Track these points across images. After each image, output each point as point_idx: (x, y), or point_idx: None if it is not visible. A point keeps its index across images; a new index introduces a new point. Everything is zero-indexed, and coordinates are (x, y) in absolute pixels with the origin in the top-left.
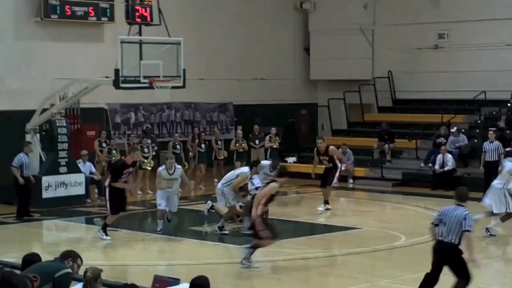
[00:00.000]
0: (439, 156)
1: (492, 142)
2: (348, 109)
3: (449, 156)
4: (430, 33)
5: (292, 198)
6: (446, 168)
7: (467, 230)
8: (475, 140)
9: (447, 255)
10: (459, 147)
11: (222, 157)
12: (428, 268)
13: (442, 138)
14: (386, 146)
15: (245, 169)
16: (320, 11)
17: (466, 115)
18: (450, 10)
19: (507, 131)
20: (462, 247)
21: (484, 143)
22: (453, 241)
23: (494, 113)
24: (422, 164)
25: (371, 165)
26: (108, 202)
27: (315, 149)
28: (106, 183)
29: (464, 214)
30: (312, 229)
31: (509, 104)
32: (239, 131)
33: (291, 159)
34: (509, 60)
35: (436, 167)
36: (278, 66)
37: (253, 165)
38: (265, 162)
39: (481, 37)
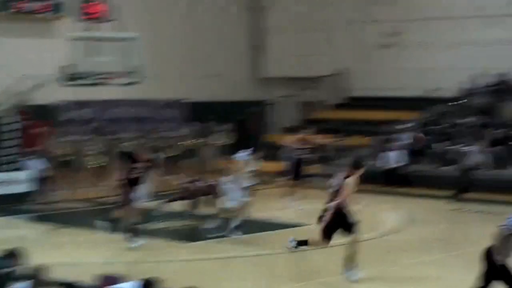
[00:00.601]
0: (391, 153)
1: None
2: (302, 106)
3: (401, 153)
4: (385, 31)
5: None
6: (398, 165)
7: None
8: (427, 137)
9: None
10: (411, 144)
11: (174, 154)
12: (378, 264)
13: (395, 135)
14: (340, 143)
15: (243, 156)
16: (276, 8)
17: (419, 112)
18: (406, 8)
19: (455, 128)
20: None
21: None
22: None
23: (445, 110)
24: (375, 161)
25: (324, 162)
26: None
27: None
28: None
29: None
30: (264, 226)
31: (458, 102)
32: (192, 128)
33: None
34: (460, 58)
35: (388, 164)
36: (231, 63)
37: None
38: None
39: (434, 35)
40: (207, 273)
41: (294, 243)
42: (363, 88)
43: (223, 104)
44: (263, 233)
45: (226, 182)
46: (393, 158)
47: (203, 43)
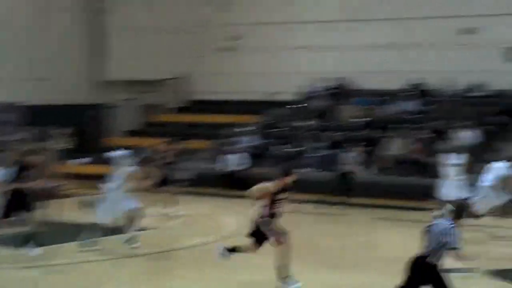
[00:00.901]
0: (232, 156)
1: None
2: (144, 109)
3: (242, 155)
4: (225, 35)
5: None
6: (238, 168)
7: None
8: (267, 141)
9: None
10: (251, 147)
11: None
12: (219, 267)
13: (235, 138)
14: (181, 146)
15: (132, 168)
16: (117, 11)
17: (258, 115)
18: (245, 12)
19: (294, 131)
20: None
21: None
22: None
23: (284, 114)
24: (216, 164)
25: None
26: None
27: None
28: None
29: None
30: (97, 231)
31: (297, 105)
32: (30, 132)
33: (83, 160)
34: (299, 62)
35: (229, 167)
36: (71, 66)
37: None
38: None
39: (273, 39)
40: (43, 281)
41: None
42: (204, 91)
43: (63, 108)
44: (107, 237)
45: (109, 190)
46: (234, 161)
47: (42, 45)
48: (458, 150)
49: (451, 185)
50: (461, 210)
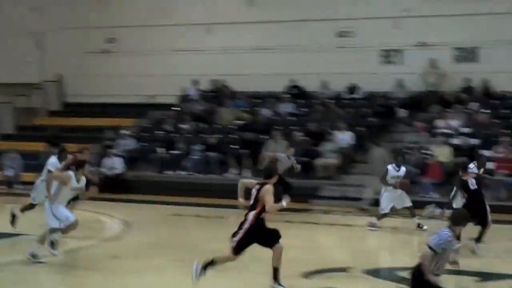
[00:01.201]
0: (108, 160)
1: None
2: (17, 113)
3: (118, 159)
4: (100, 37)
5: None
6: (114, 172)
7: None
8: (144, 144)
9: None
10: (128, 151)
11: None
12: (99, 271)
13: (111, 142)
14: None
15: (69, 172)
16: None
17: (135, 118)
18: (119, 14)
19: (173, 134)
20: None
21: None
22: None
23: (162, 117)
24: (92, 168)
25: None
26: None
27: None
28: None
29: None
30: None
31: (176, 108)
32: None
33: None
34: (177, 65)
35: (106, 170)
36: None
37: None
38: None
39: (149, 42)
40: None
41: (199, 270)
42: (80, 94)
43: None
44: None
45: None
46: (112, 165)
47: None
48: (397, 162)
49: (388, 195)
50: (460, 217)
